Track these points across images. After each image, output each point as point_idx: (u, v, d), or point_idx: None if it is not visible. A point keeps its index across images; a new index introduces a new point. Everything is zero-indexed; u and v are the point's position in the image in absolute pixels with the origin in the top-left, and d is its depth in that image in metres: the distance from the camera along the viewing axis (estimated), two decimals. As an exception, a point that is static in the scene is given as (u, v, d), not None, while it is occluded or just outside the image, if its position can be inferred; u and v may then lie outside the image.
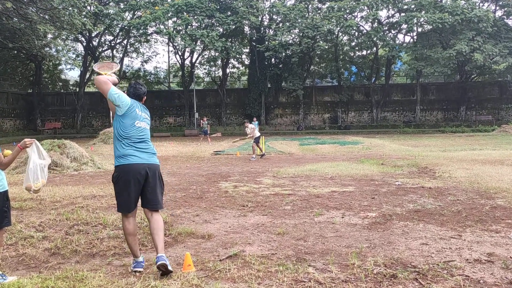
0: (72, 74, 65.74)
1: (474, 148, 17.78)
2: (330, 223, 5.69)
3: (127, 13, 40.29)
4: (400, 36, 43.14)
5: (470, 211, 6.23)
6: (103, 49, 45.37)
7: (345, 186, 8.74)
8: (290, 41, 40.43)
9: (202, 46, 41.69)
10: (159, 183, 4.18)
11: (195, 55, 44.77)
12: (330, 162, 13.39)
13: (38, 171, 4.06)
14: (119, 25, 40.37)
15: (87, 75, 43.48)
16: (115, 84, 4.23)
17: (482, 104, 43.02)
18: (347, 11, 38.49)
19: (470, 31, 35.16)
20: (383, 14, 41.81)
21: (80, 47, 45.50)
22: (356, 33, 41.66)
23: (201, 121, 27.90)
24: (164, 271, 3.80)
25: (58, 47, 41.66)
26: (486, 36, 35.45)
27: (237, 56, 43.69)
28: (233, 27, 39.28)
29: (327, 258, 4.28)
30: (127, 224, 4.06)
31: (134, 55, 48.09)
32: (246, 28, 41.93)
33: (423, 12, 36.49)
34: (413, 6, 37.46)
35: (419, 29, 40.71)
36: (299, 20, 37.67)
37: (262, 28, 41.74)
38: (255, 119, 21.89)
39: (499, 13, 39.76)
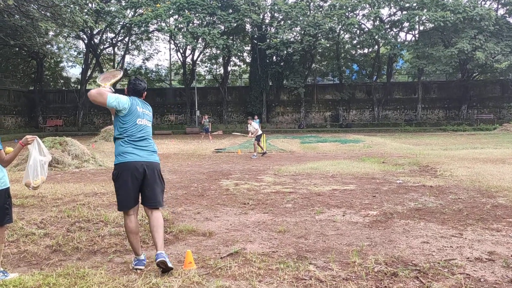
0: (74, 72, 65.71)
1: (476, 147, 17.75)
2: (331, 221, 5.69)
3: (128, 11, 40.30)
4: (402, 34, 43.10)
5: (471, 209, 6.23)
6: (105, 46, 45.40)
7: (346, 184, 8.74)
8: (291, 39, 40.40)
9: (203, 44, 41.68)
10: (158, 181, 4.16)
11: (197, 53, 44.76)
12: (331, 160, 13.39)
13: (38, 168, 4.06)
14: (121, 23, 40.36)
15: (89, 73, 43.49)
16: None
17: (484, 102, 42.94)
18: (349, 9, 38.43)
19: (472, 30, 35.07)
20: (385, 12, 41.80)
21: (81, 45, 45.58)
22: (358, 31, 41.59)
23: (203, 118, 27.91)
24: (164, 268, 3.81)
25: (60, 45, 41.65)
26: (488, 34, 35.36)
27: (239, 54, 43.70)
28: (235, 24, 39.26)
29: (328, 256, 4.28)
30: (129, 222, 4.06)
31: (135, 52, 48.16)
32: (248, 26, 41.89)
33: (425, 10, 36.42)
34: (415, 4, 37.37)
35: (421, 27, 40.65)
36: (300, 18, 37.62)
37: (264, 26, 41.69)
38: (256, 117, 21.87)
39: (501, 11, 39.69)
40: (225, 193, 7.91)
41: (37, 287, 3.54)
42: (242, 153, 16.92)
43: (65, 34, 39.73)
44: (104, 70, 45.88)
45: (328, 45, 39.72)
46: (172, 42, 44.08)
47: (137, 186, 4.05)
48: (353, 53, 45.11)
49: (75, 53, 47.02)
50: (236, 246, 4.63)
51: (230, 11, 39.25)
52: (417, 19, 37.09)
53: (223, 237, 5.01)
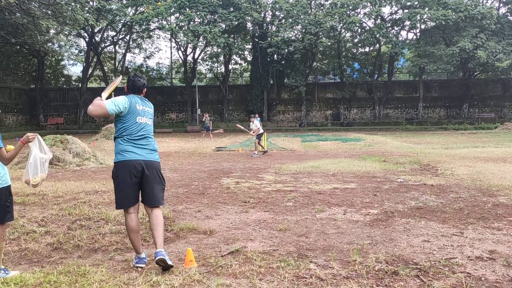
0: (75, 70, 65.80)
1: (477, 146, 17.73)
2: (331, 220, 5.69)
3: (129, 9, 40.30)
4: (403, 33, 43.14)
5: (472, 208, 6.23)
6: (106, 44, 45.41)
7: (347, 183, 8.73)
8: (292, 38, 40.39)
9: (204, 42, 41.68)
10: (158, 180, 4.14)
11: (198, 51, 44.81)
12: (332, 159, 13.39)
13: (38, 166, 4.06)
14: (122, 21, 40.39)
15: (90, 71, 43.50)
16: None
17: (485, 101, 42.90)
18: (350, 7, 38.40)
19: (473, 28, 35.03)
20: (386, 10, 41.75)
21: (82, 43, 45.61)
22: (359, 29, 41.56)
23: (204, 117, 27.91)
24: (164, 266, 3.81)
25: (61, 43, 41.64)
26: (489, 33, 35.31)
27: (240, 52, 43.68)
28: (236, 23, 39.24)
29: (329, 254, 4.28)
30: (129, 221, 4.06)
31: (136, 50, 48.18)
32: (249, 24, 41.89)
33: (427, 9, 36.37)
34: (416, 3, 37.33)
35: (422, 26, 40.59)
36: (301, 17, 37.59)
37: (265, 24, 41.67)
38: (257, 115, 21.86)
39: (502, 10, 39.62)
40: (226, 191, 7.91)
41: (38, 284, 3.55)
42: (243, 152, 16.93)
43: (66, 32, 39.80)
44: (105, 68, 45.96)
45: (329, 43, 39.71)
46: (173, 40, 44.10)
47: (136, 184, 4.05)
48: (354, 51, 45.08)
49: (76, 51, 47.05)
50: (236, 244, 4.63)
51: (231, 9, 39.23)
52: (419, 17, 37.06)
53: (223, 235, 5.01)
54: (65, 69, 51.67)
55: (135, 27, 40.61)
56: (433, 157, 12.99)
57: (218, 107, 45.43)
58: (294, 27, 39.47)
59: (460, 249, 4.40)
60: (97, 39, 43.01)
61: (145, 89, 4.32)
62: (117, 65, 46.10)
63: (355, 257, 4.12)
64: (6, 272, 3.79)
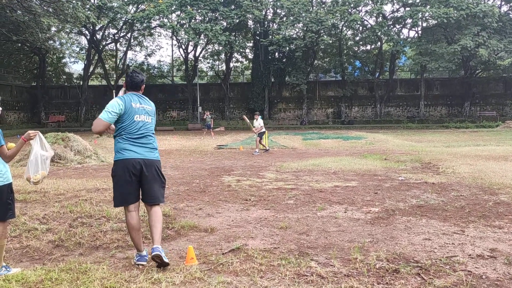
0: (76, 68, 65.91)
1: (478, 144, 17.71)
2: (332, 218, 5.69)
3: (130, 6, 40.25)
4: (405, 31, 43.19)
5: (473, 206, 6.22)
6: (107, 42, 45.37)
7: (348, 181, 8.73)
8: (294, 35, 40.33)
9: (205, 40, 41.64)
10: (158, 178, 4.13)
11: (199, 49, 44.74)
12: (333, 157, 13.39)
13: (38, 163, 4.06)
14: (123, 19, 40.35)
15: (91, 69, 43.49)
16: None
17: (487, 99, 42.81)
18: (352, 5, 38.32)
19: (475, 26, 34.95)
20: (387, 8, 41.65)
21: (84, 41, 45.56)
22: (360, 27, 41.48)
23: (205, 115, 27.90)
24: (159, 263, 3.81)
25: (62, 40, 41.70)
26: (491, 31, 35.22)
27: (241, 50, 43.63)
28: (237, 21, 39.17)
29: (330, 252, 4.28)
30: (130, 219, 4.06)
31: (137, 48, 48.11)
32: (250, 22, 41.81)
33: (428, 6, 36.27)
34: (418, 1, 37.27)
35: (424, 24, 40.50)
36: (303, 14, 37.53)
37: (266, 22, 41.61)
38: (258, 113, 21.82)
39: (504, 8, 39.52)
40: (227, 189, 7.92)
41: (40, 282, 3.56)
42: (244, 150, 16.93)
43: (67, 30, 39.78)
44: (106, 66, 45.93)
45: (330, 41, 39.63)
46: (174, 38, 44.05)
47: (134, 183, 4.04)
48: (356, 49, 44.98)
49: (78, 49, 47.12)
50: (237, 242, 4.64)
51: (233, 7, 39.18)
52: (420, 15, 36.94)
53: (224, 233, 5.02)
54: (66, 67, 51.73)
55: (136, 25, 40.55)
56: (435, 155, 12.99)
57: (219, 105, 45.41)
58: (296, 25, 39.41)
59: (461, 247, 4.40)
60: (98, 36, 42.97)
61: (144, 85, 4.28)
62: (118, 63, 46.09)
63: (356, 255, 4.12)
64: (8, 269, 3.80)
